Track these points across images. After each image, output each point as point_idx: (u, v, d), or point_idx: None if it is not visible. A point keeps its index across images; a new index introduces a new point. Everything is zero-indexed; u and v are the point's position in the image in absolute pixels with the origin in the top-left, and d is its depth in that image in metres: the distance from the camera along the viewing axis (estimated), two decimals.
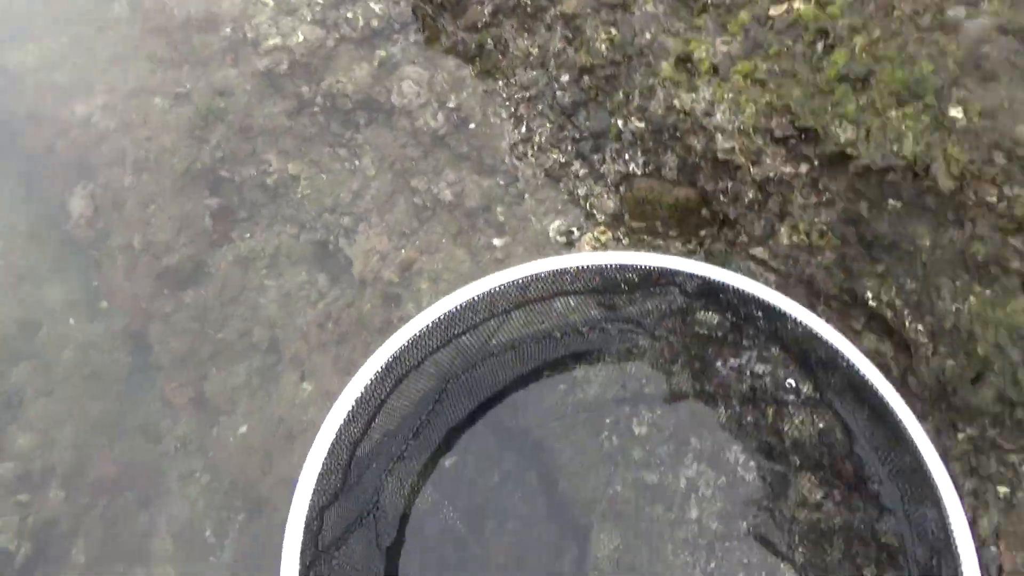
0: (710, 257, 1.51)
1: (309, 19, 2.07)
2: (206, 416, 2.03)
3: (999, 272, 1.14)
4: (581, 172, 1.67)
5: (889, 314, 1.26)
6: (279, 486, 1.80)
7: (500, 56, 1.83)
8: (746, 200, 1.42)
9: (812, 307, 1.33)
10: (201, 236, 2.09)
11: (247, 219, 2.10)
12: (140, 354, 2.16)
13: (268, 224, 2.08)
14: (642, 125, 1.55)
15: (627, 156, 1.59)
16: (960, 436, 1.19)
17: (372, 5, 2.03)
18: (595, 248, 1.61)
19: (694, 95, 1.44)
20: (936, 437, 1.19)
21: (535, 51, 1.72)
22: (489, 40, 1.82)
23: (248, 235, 2.08)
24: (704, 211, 1.51)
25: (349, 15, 2.05)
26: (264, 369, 2.10)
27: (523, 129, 1.76)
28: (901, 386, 1.21)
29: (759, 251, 1.44)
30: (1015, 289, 1.13)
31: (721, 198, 1.46)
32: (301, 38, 2.04)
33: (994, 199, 1.14)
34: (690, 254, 1.54)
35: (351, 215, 2.06)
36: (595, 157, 1.64)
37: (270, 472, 1.88)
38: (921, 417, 1.15)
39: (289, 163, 2.07)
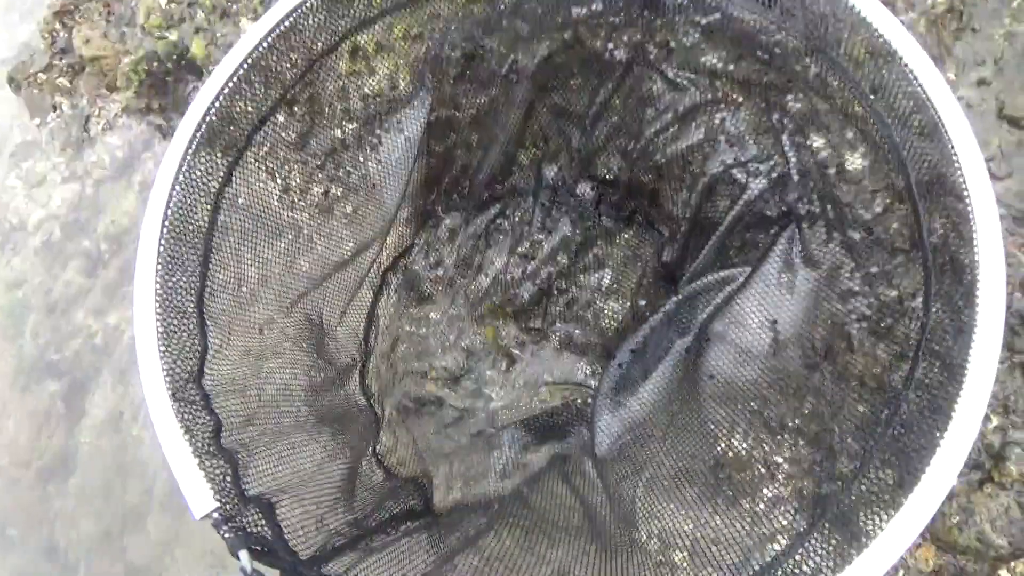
0: None
1: (59, 180, 2.09)
2: None
3: None
4: None
5: None
6: None
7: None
8: None
9: None
10: (61, 421, 2.08)
11: (96, 386, 2.09)
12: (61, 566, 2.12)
13: (115, 382, 2.07)
14: None
15: None
16: None
17: (109, 139, 2.06)
18: None
19: None
20: None
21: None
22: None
23: (101, 400, 2.08)
24: None
25: (93, 159, 2.07)
26: (180, 514, 2.08)
27: None
28: None
29: None
30: None
31: None
32: (59, 200, 2.06)
33: None
34: None
35: None
36: None
37: None
38: None
39: (107, 317, 2.07)
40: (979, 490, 1.01)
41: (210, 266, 1.01)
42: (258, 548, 0.83)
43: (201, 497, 0.80)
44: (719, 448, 1.21)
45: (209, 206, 1.08)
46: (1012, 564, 0.98)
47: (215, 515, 0.80)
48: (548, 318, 1.40)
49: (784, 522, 1.12)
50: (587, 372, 1.37)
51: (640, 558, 1.23)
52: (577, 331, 1.38)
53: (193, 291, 0.99)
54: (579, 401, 1.36)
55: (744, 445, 1.20)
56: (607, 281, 1.36)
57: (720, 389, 1.21)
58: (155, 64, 1.95)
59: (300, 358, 1.21)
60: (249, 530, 0.84)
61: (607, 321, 1.36)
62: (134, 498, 2.09)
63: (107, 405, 2.07)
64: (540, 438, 1.35)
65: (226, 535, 0.79)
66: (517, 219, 1.45)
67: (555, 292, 1.40)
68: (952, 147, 0.85)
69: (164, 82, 1.98)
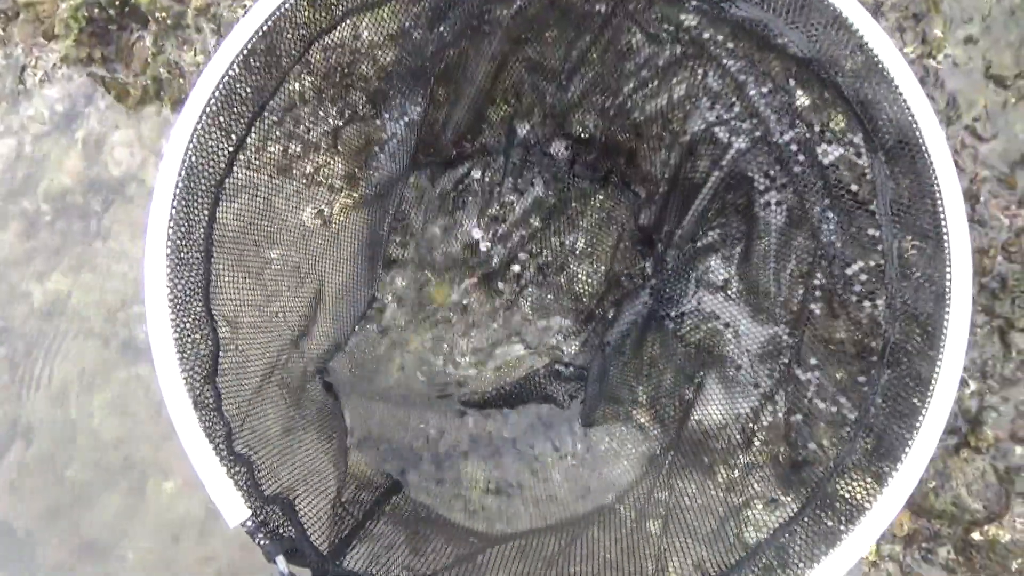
0: None
1: None
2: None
3: None
4: None
5: None
6: None
7: (181, 80, 1.74)
8: None
9: None
10: (3, 391, 1.98)
11: (42, 353, 1.99)
12: (10, 542, 2.03)
13: (62, 349, 1.97)
14: None
15: None
16: None
17: (47, 92, 1.92)
18: None
19: None
20: None
21: (201, 58, 1.65)
22: (161, 70, 1.74)
23: (48, 370, 1.98)
24: None
25: (31, 112, 1.94)
26: (133, 487, 2.01)
27: None
28: None
29: None
30: None
31: None
32: None
33: None
34: None
35: (141, 302, 1.96)
36: None
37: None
38: None
39: (48, 282, 1.96)
40: (955, 455, 1.01)
41: (212, 258, 0.95)
42: (290, 550, 0.81)
43: (233, 505, 0.79)
44: (694, 416, 1.19)
45: (211, 197, 1.00)
46: (986, 527, 0.98)
47: (249, 523, 0.77)
48: (520, 282, 1.36)
49: (758, 488, 1.11)
50: (560, 337, 1.33)
51: (616, 524, 1.22)
52: (550, 296, 1.34)
53: (200, 288, 0.92)
54: (552, 366, 1.33)
55: (719, 411, 1.18)
56: (581, 244, 1.32)
57: (697, 356, 1.18)
58: (96, 11, 1.82)
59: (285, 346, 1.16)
60: (279, 533, 0.82)
61: (581, 286, 1.32)
62: (86, 471, 2.01)
63: (54, 375, 1.97)
64: (511, 404, 1.32)
65: (262, 542, 0.77)
66: (487, 179, 1.39)
67: (527, 256, 1.35)
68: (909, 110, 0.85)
69: (107, 30, 1.85)
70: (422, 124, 1.36)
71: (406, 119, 1.38)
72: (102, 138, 1.88)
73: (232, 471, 0.83)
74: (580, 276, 1.32)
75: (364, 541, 1.01)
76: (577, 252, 1.32)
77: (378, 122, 1.41)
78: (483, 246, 1.38)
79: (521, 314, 1.35)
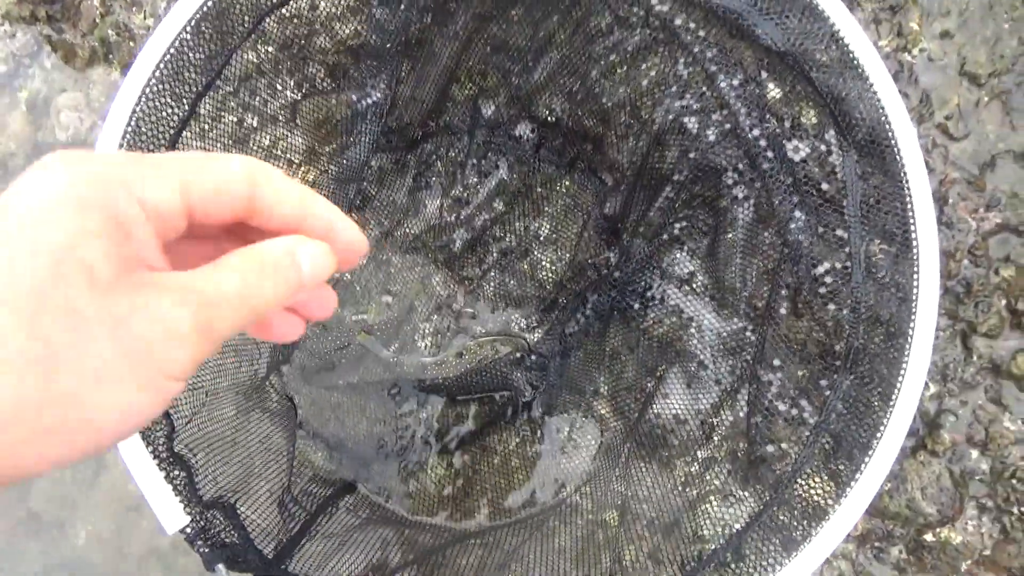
0: None
1: None
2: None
3: None
4: None
5: None
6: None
7: (131, 43, 1.66)
8: None
9: None
10: None
11: None
12: None
13: None
14: None
15: None
16: None
17: None
18: None
19: None
20: None
21: (151, 22, 1.56)
22: (110, 31, 1.65)
23: None
24: None
25: None
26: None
27: None
28: None
29: None
30: None
31: None
32: None
33: None
34: None
35: None
36: None
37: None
38: None
39: None
40: (912, 457, 1.01)
41: None
42: (231, 557, 0.78)
43: (171, 511, 0.75)
44: (653, 409, 1.18)
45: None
46: (938, 530, 0.99)
47: (188, 530, 0.74)
48: (482, 267, 1.32)
49: (717, 483, 1.11)
50: (522, 325, 1.30)
51: (574, 515, 1.21)
52: (512, 282, 1.30)
53: None
54: (514, 354, 1.30)
55: (680, 405, 1.17)
56: (546, 231, 1.29)
57: (660, 349, 1.17)
58: None
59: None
60: (221, 539, 0.78)
61: (544, 273, 1.29)
62: None
63: None
64: (472, 392, 1.30)
65: (201, 550, 0.73)
66: (451, 159, 1.35)
67: (490, 240, 1.32)
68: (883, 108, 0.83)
69: None
70: (384, 101, 1.30)
71: (368, 96, 1.33)
72: (48, 100, 1.78)
73: (171, 475, 0.79)
74: (544, 263, 1.28)
75: (315, 540, 0.99)
76: (541, 238, 1.29)
77: (338, 97, 1.35)
78: (446, 227, 1.34)
79: (484, 299, 1.32)
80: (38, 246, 0.27)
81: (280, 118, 1.37)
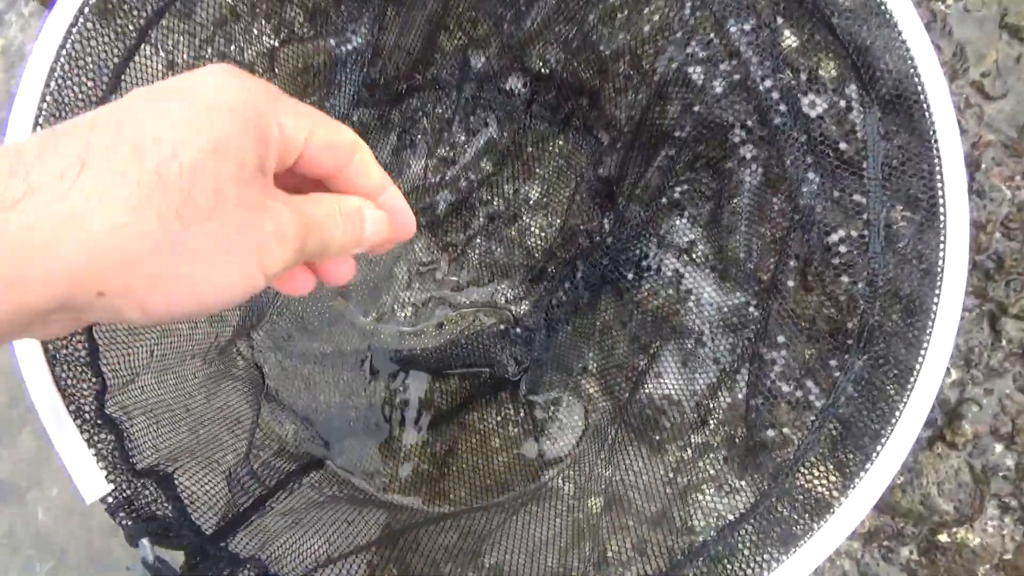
0: None
1: None
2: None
3: None
4: None
5: None
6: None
7: None
8: None
9: None
10: None
11: None
12: None
13: None
14: None
15: None
16: None
17: None
18: None
19: None
20: None
21: None
22: None
23: None
24: None
25: None
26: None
27: None
28: None
29: None
30: None
31: None
32: None
33: None
34: None
35: None
36: None
37: None
38: None
39: None
40: (928, 449, 0.91)
41: None
42: (159, 531, 0.69)
43: (92, 479, 0.67)
44: (645, 389, 1.09)
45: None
46: (954, 530, 0.89)
47: (109, 499, 0.66)
48: (467, 233, 1.23)
49: (711, 471, 1.03)
50: (508, 296, 1.21)
51: (555, 500, 1.14)
52: (499, 249, 1.21)
53: None
54: (499, 327, 1.21)
55: (674, 385, 1.08)
56: (536, 194, 1.19)
57: (654, 324, 1.07)
58: None
59: None
60: (150, 511, 0.70)
61: (534, 240, 1.19)
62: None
63: None
64: (453, 366, 1.21)
65: (123, 522, 0.65)
66: (438, 116, 1.25)
67: (476, 204, 1.22)
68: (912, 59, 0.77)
69: None
70: (366, 49, 1.20)
71: (348, 42, 1.23)
72: (22, 48, 1.70)
73: (95, 438, 0.71)
74: (533, 229, 1.19)
75: (268, 516, 0.91)
76: (531, 202, 1.19)
77: (316, 44, 1.26)
78: (430, 188, 1.25)
79: (469, 267, 1.23)
80: (210, 124, 0.32)
81: (258, 67, 1.28)
